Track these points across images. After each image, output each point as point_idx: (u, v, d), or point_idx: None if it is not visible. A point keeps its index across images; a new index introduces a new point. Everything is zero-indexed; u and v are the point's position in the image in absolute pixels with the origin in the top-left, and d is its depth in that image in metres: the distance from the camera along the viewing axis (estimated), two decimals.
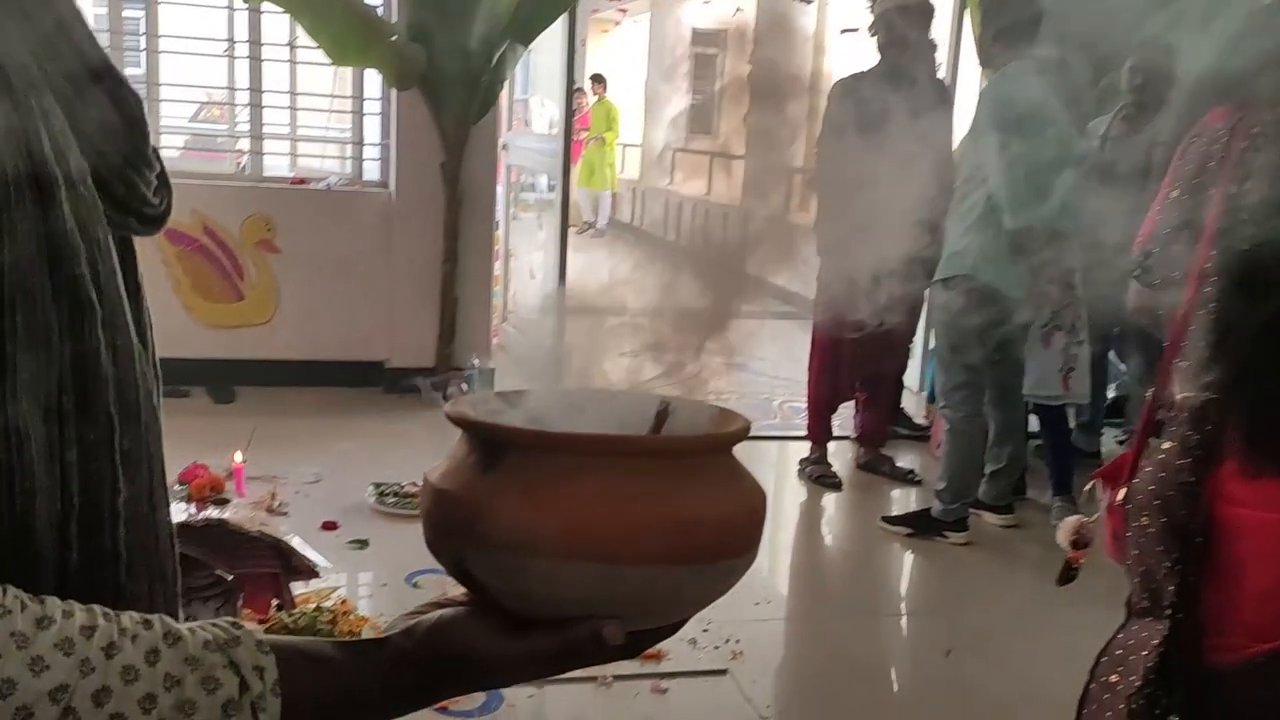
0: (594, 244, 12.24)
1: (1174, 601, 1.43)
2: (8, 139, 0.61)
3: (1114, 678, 1.48)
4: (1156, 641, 1.44)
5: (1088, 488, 1.78)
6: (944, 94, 4.58)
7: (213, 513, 2.66)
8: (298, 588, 2.88)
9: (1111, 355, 4.97)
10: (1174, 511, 1.42)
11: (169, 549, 0.73)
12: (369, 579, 3.37)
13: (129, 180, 0.71)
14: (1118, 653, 1.52)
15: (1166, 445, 1.44)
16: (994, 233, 3.71)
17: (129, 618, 0.60)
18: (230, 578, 2.74)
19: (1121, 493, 1.54)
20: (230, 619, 0.65)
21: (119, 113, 0.71)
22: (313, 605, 2.91)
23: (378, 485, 3.84)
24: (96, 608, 0.59)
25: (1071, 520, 1.78)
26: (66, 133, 0.66)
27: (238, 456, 3.76)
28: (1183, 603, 1.42)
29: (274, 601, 2.81)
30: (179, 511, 2.65)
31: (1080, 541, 1.73)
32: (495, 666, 0.69)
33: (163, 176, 0.75)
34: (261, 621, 2.80)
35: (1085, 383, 4.10)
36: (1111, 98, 4.43)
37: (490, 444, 0.70)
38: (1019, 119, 3.65)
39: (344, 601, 3.00)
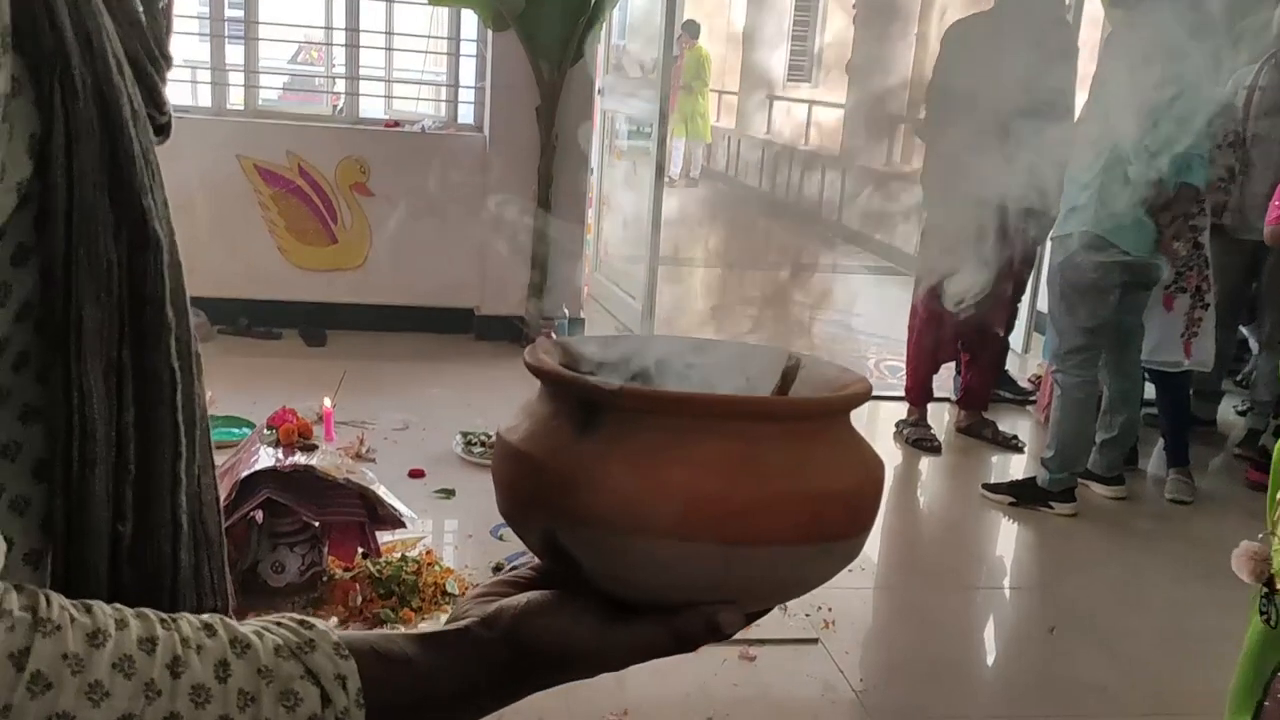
0: (688, 194, 12.10)
1: None
2: (78, 50, 0.52)
3: None
4: None
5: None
6: (1067, 37, 4.30)
7: (300, 459, 2.63)
8: (383, 536, 2.86)
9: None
10: None
11: (215, 513, 0.65)
12: (454, 529, 3.34)
13: (150, 83, 0.61)
14: None
15: None
16: (1117, 187, 3.48)
17: (188, 624, 0.51)
18: (317, 524, 2.73)
19: None
20: (297, 616, 0.56)
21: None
22: (398, 554, 2.89)
23: (465, 434, 3.80)
24: (150, 613, 0.51)
25: (1245, 548, 1.58)
26: (114, 35, 0.56)
27: (327, 402, 3.76)
28: None
29: (359, 550, 2.79)
30: (267, 456, 2.63)
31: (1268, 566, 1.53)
32: (593, 660, 0.59)
33: None
34: (346, 569, 2.79)
35: (1209, 349, 3.87)
36: (1257, 43, 4.12)
37: (586, 403, 0.60)
38: (1149, 64, 3.40)
39: (429, 552, 2.97)
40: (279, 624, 0.55)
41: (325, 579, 2.76)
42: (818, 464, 0.59)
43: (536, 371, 0.64)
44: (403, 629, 2.61)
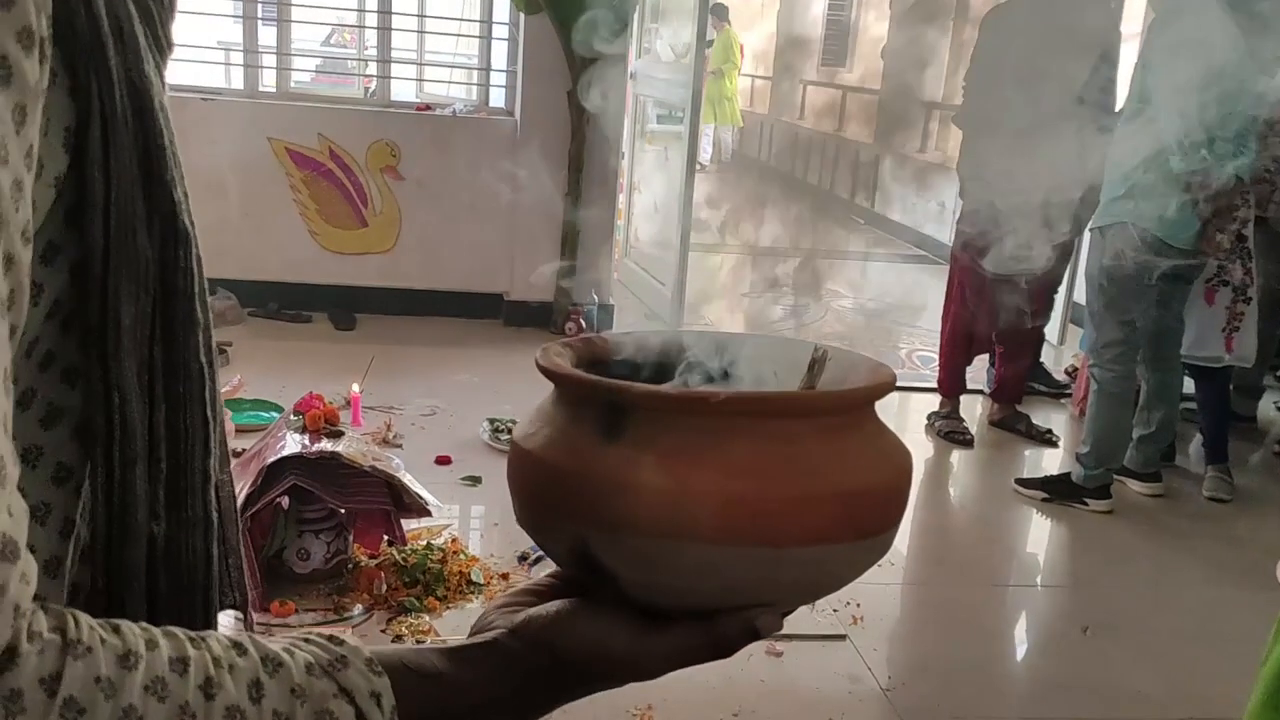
0: (718, 179, 12.04)
1: None
2: (112, 39, 0.50)
3: None
4: None
5: None
6: (1110, 22, 4.21)
7: (326, 445, 2.62)
8: (408, 523, 2.85)
9: None
10: None
11: (234, 509, 0.65)
12: (480, 515, 3.32)
13: (156, 69, 0.58)
14: None
15: None
16: (1160, 177, 3.40)
17: (218, 643, 0.50)
18: (342, 511, 2.72)
19: None
20: (326, 632, 0.54)
21: None
22: (423, 542, 2.88)
23: (493, 421, 3.78)
24: (179, 631, 0.49)
25: None
26: (138, 22, 0.54)
27: (355, 387, 3.75)
28: None
29: (384, 537, 2.79)
30: (293, 443, 2.62)
31: None
32: (627, 669, 0.58)
33: None
34: (371, 557, 2.79)
35: (1250, 344, 3.78)
36: None
37: (611, 406, 0.58)
38: (1195, 51, 3.31)
39: (454, 540, 2.96)
40: (308, 640, 0.53)
41: (350, 566, 2.75)
42: (853, 459, 0.57)
43: (552, 375, 0.62)
44: (427, 618, 2.60)
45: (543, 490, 0.59)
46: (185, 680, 0.47)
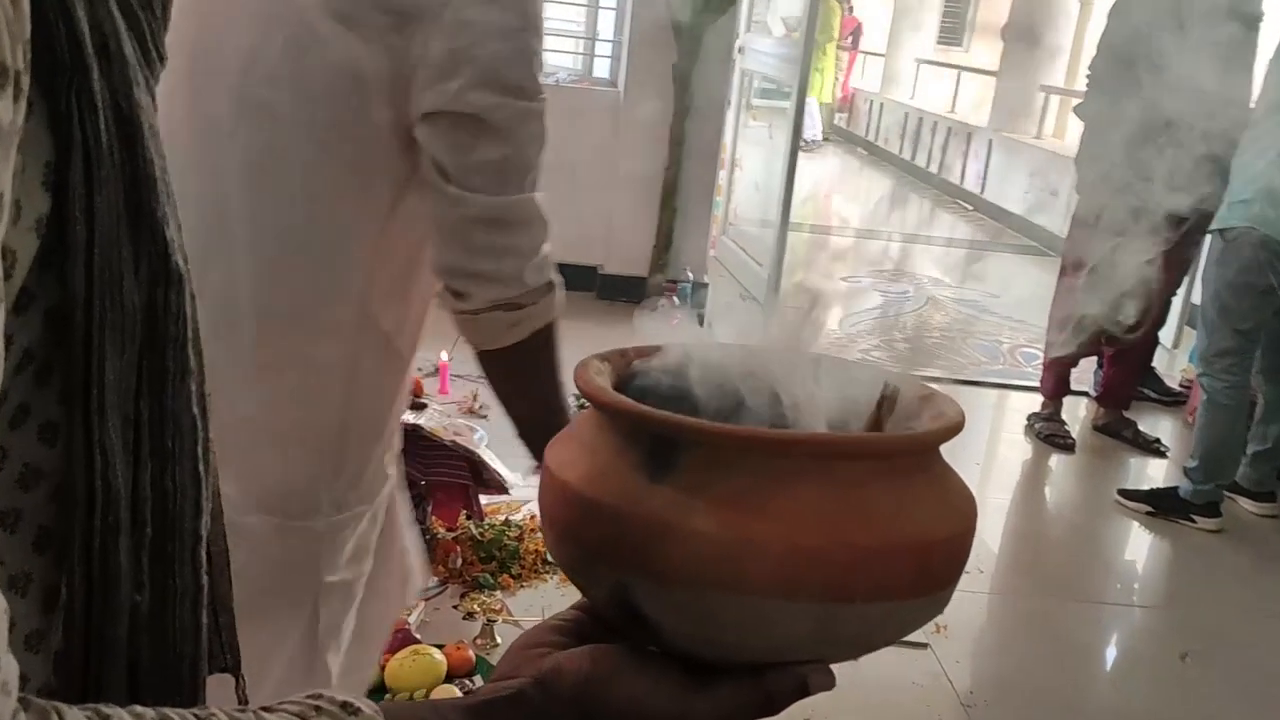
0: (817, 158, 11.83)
1: None
2: (96, 60, 0.45)
3: None
4: None
5: None
6: (1247, 11, 3.95)
7: (409, 417, 2.62)
8: (487, 499, 2.85)
9: None
10: None
11: (225, 564, 0.59)
12: None
13: (146, 88, 0.52)
14: None
15: None
16: None
17: None
18: (422, 482, 2.72)
19: None
20: (339, 697, 0.49)
21: None
22: (501, 518, 2.87)
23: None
24: (177, 717, 0.44)
25: None
26: (126, 37, 0.48)
27: (444, 355, 3.76)
28: None
29: (462, 511, 2.78)
30: None
31: None
32: None
33: None
34: (449, 530, 2.79)
35: None
36: None
37: (662, 440, 0.52)
38: None
39: (532, 517, 2.94)
40: (318, 710, 0.48)
41: (428, 538, 2.75)
42: (924, 507, 0.53)
43: (596, 401, 0.55)
44: (500, 595, 2.59)
45: (581, 528, 0.54)
46: None
